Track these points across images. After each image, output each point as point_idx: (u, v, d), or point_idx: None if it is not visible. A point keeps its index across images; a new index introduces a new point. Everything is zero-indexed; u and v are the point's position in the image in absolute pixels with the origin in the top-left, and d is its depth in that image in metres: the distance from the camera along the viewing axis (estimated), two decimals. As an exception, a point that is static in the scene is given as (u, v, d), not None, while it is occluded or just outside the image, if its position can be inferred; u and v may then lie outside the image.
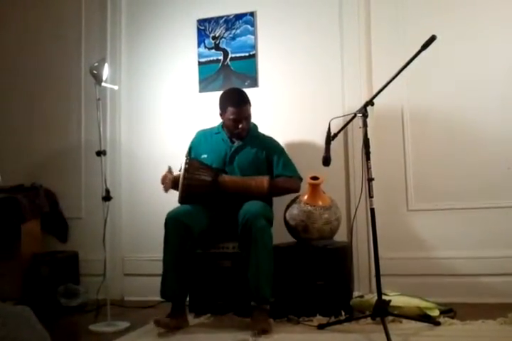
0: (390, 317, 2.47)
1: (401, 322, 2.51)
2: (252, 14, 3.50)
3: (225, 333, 2.54)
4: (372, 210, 2.44)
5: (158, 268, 2.76)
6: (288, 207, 2.93)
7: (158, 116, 3.66)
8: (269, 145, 3.06)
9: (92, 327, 2.76)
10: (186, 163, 2.81)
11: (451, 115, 3.13)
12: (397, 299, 2.57)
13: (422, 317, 2.55)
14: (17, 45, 3.97)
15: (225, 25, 3.55)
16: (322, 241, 2.84)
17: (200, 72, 3.58)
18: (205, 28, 3.59)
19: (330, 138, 2.56)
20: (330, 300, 2.71)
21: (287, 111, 3.40)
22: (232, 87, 3.21)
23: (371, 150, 2.45)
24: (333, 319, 2.56)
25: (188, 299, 2.81)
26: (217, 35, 3.56)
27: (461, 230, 3.06)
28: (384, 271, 2.46)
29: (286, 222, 2.93)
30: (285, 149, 3.11)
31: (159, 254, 2.76)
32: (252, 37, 3.49)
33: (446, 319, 2.53)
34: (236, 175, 2.96)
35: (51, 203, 3.64)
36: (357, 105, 2.63)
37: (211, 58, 3.57)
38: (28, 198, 3.46)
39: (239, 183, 2.88)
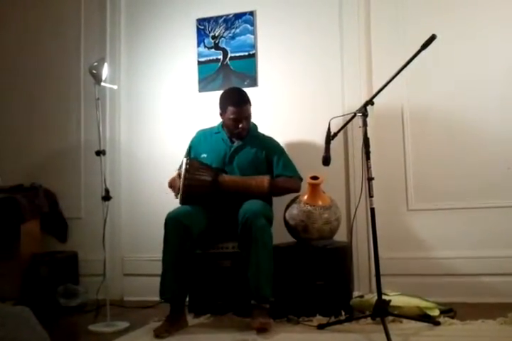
0: (390, 317, 2.46)
1: (401, 322, 2.51)
2: (251, 13, 3.49)
3: (225, 333, 2.53)
4: (372, 210, 2.43)
5: (158, 268, 2.76)
6: (288, 206, 2.93)
7: (157, 116, 3.66)
8: (268, 145, 3.05)
9: (92, 328, 2.76)
10: (187, 164, 2.80)
11: (451, 114, 3.13)
12: (397, 299, 2.57)
13: (422, 317, 2.55)
14: (17, 45, 3.97)
15: (224, 25, 3.54)
16: (322, 241, 2.84)
17: (200, 72, 3.58)
18: (204, 27, 3.58)
19: (330, 137, 2.56)
20: (330, 300, 2.70)
21: (287, 110, 3.40)
22: (233, 87, 3.20)
23: (371, 149, 2.44)
24: (333, 319, 2.55)
25: (187, 299, 2.81)
26: (216, 34, 3.56)
27: (461, 230, 3.06)
28: (384, 271, 2.46)
29: (286, 222, 2.92)
30: (285, 149, 3.11)
31: (159, 254, 2.76)
32: (252, 36, 3.48)
33: (446, 319, 2.53)
34: (236, 174, 2.96)
35: (51, 203, 3.64)
36: (357, 104, 2.63)
37: (211, 58, 3.56)
38: (27, 198, 3.45)
39: (239, 183, 2.88)
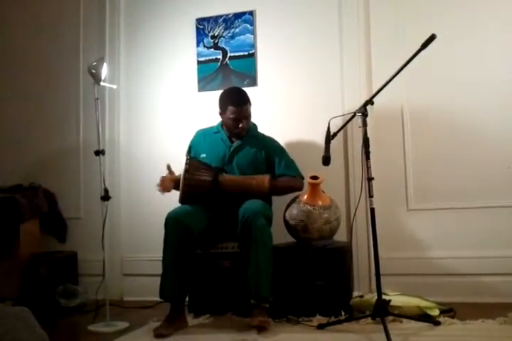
0: (390, 317, 2.46)
1: (401, 321, 2.51)
2: (251, 13, 3.49)
3: (224, 333, 2.53)
4: (372, 210, 2.43)
5: (158, 268, 2.75)
6: (288, 206, 2.92)
7: (156, 116, 3.65)
8: (268, 145, 3.05)
9: (91, 328, 2.75)
10: (186, 164, 2.80)
11: (451, 114, 3.13)
12: (397, 299, 2.57)
13: (422, 316, 2.55)
14: (15, 45, 3.96)
15: (224, 24, 3.54)
16: (322, 241, 2.83)
17: (199, 71, 3.57)
18: (204, 27, 3.58)
19: (329, 137, 2.55)
20: (330, 300, 2.70)
21: (286, 110, 3.40)
22: (232, 86, 3.20)
23: (371, 149, 2.44)
24: (332, 319, 2.55)
25: (187, 299, 2.81)
26: (216, 34, 3.55)
27: (461, 230, 3.06)
28: (384, 271, 2.45)
29: (285, 222, 2.92)
30: (285, 148, 3.11)
31: (158, 254, 2.75)
32: (251, 36, 3.48)
33: (446, 318, 2.53)
34: (235, 174, 2.95)
35: (50, 203, 3.64)
36: (356, 104, 2.63)
37: (210, 57, 3.56)
38: (26, 198, 3.45)
39: (239, 182, 2.87)
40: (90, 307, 3.16)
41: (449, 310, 2.64)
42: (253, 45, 3.48)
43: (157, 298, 2.78)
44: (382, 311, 2.34)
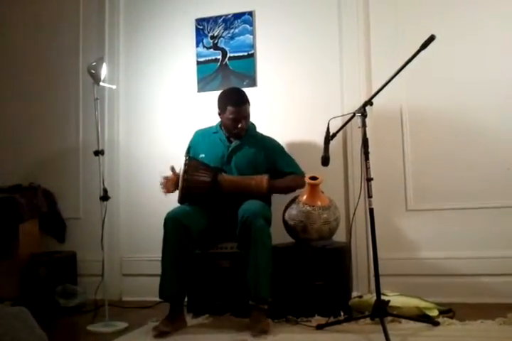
0: (389, 318, 2.46)
1: (400, 322, 2.51)
2: (250, 13, 3.49)
3: (224, 333, 2.53)
4: (371, 210, 2.43)
5: (157, 268, 2.75)
6: (287, 207, 2.92)
7: (156, 116, 3.65)
8: (267, 145, 3.05)
9: (90, 328, 2.75)
10: (185, 164, 2.80)
11: (450, 115, 3.13)
12: (396, 299, 2.57)
13: (421, 317, 2.55)
14: (15, 44, 3.96)
15: (223, 25, 3.54)
16: (321, 241, 2.83)
17: (199, 72, 3.57)
18: (203, 27, 3.58)
19: (329, 137, 2.55)
20: (329, 300, 2.70)
21: (286, 110, 3.40)
22: (231, 87, 3.20)
23: (370, 150, 2.44)
24: (331, 319, 2.55)
25: (186, 299, 2.81)
26: (215, 34, 3.55)
27: (461, 230, 3.06)
28: (383, 271, 2.46)
29: (285, 223, 2.92)
30: (284, 147, 3.11)
31: (157, 254, 2.75)
32: (251, 36, 3.48)
33: (445, 319, 2.53)
34: (234, 174, 2.95)
35: (49, 203, 3.64)
36: (356, 105, 2.62)
37: (210, 58, 3.56)
38: (26, 198, 3.45)
39: (238, 183, 2.87)
40: (89, 308, 3.16)
41: (448, 311, 2.63)
42: (253, 46, 3.48)
43: (156, 298, 2.78)
44: (381, 311, 2.34)
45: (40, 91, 3.87)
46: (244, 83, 3.46)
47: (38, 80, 3.87)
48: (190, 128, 3.31)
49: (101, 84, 2.98)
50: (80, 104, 3.77)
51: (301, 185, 2.94)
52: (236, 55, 3.51)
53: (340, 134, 2.67)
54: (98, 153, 2.89)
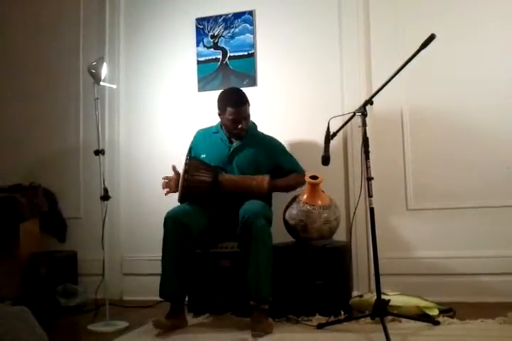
0: (390, 317, 2.46)
1: (400, 321, 2.51)
2: (250, 13, 3.49)
3: (224, 333, 2.53)
4: (371, 209, 2.43)
5: (157, 267, 2.76)
6: (287, 206, 2.93)
7: (156, 115, 3.66)
8: (268, 145, 3.05)
9: (91, 327, 2.75)
10: (186, 164, 2.79)
11: (450, 114, 3.13)
12: (396, 298, 2.57)
13: (422, 316, 2.55)
14: (15, 44, 3.96)
15: (223, 24, 3.54)
16: (321, 240, 2.84)
17: (199, 71, 3.57)
18: (203, 26, 3.58)
19: (329, 137, 2.55)
20: (329, 299, 2.71)
21: (286, 110, 3.40)
22: (231, 87, 3.20)
23: (370, 149, 2.44)
24: (332, 318, 2.55)
25: (186, 299, 2.81)
26: (216, 33, 3.55)
27: (461, 229, 3.06)
28: (383, 271, 2.46)
29: (285, 222, 2.92)
30: (284, 146, 3.12)
31: (158, 254, 2.76)
32: (251, 36, 3.48)
33: (446, 318, 2.53)
34: (236, 174, 2.95)
35: (50, 203, 3.64)
36: (356, 104, 2.62)
37: (210, 57, 3.56)
38: (26, 197, 3.45)
39: (239, 183, 2.87)
40: (90, 307, 3.16)
41: (449, 310, 2.63)
42: (253, 45, 3.48)
43: (157, 298, 2.78)
44: (381, 311, 2.34)
45: (40, 91, 3.87)
46: (245, 82, 3.46)
47: (38, 80, 3.87)
48: (190, 127, 3.31)
49: (101, 83, 2.98)
50: (80, 103, 3.77)
51: (302, 183, 2.94)
52: (236, 54, 3.51)
53: (340, 133, 2.67)
54: (98, 152, 2.89)
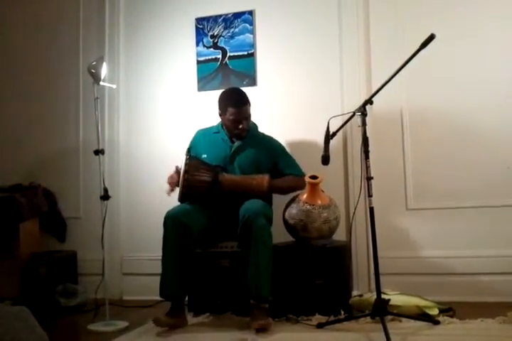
0: (390, 316, 2.46)
1: (400, 321, 2.51)
2: (250, 13, 3.49)
3: (224, 332, 2.53)
4: (371, 209, 2.44)
5: (157, 267, 2.76)
6: (287, 206, 2.92)
7: (156, 115, 3.65)
8: (269, 145, 3.05)
9: (91, 327, 2.76)
10: (186, 164, 2.79)
11: (450, 114, 3.13)
12: (396, 298, 2.57)
13: (422, 316, 2.56)
14: (15, 44, 3.96)
15: (223, 24, 3.54)
16: (321, 240, 2.84)
17: (199, 71, 3.57)
18: (203, 26, 3.58)
19: (329, 137, 2.55)
20: (329, 299, 2.71)
21: (286, 110, 3.40)
22: (232, 87, 3.20)
23: (370, 149, 2.45)
24: (332, 318, 2.55)
25: (186, 298, 2.81)
26: (215, 33, 3.55)
27: (461, 229, 3.06)
28: (383, 270, 2.46)
29: (285, 221, 2.92)
30: (285, 147, 3.11)
31: (158, 254, 2.76)
32: (251, 36, 3.48)
33: (446, 318, 2.53)
34: (237, 174, 2.95)
35: (49, 202, 3.64)
36: (356, 104, 2.62)
37: (210, 57, 3.56)
38: (26, 197, 3.45)
39: (239, 182, 2.87)
40: (90, 307, 3.16)
41: (449, 310, 2.64)
42: (253, 45, 3.48)
43: (157, 297, 2.78)
44: (381, 310, 2.34)
45: (40, 91, 3.87)
46: (244, 82, 3.46)
47: (38, 80, 3.87)
48: (190, 127, 3.31)
49: (101, 83, 2.98)
50: (80, 103, 3.77)
51: (301, 186, 2.93)
52: (236, 54, 3.51)
53: (340, 133, 2.67)
54: (98, 152, 2.89)
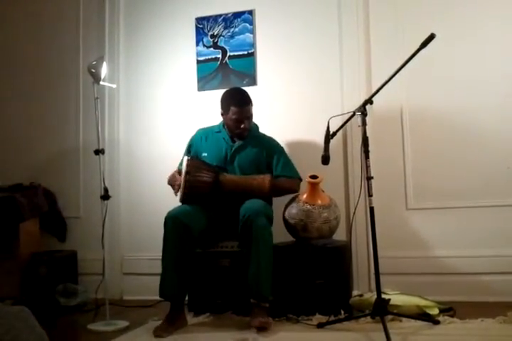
0: (390, 316, 2.46)
1: (400, 320, 2.51)
2: (250, 12, 3.49)
3: (224, 332, 2.53)
4: (371, 209, 2.44)
5: (157, 267, 2.76)
6: (287, 206, 2.93)
7: (156, 115, 3.65)
8: (268, 145, 3.05)
9: (91, 327, 2.75)
10: (187, 165, 2.79)
11: (450, 114, 3.13)
12: (396, 298, 2.57)
13: (422, 315, 2.55)
14: (15, 44, 3.96)
15: (223, 24, 3.54)
16: (321, 240, 2.84)
17: (199, 71, 3.57)
18: (203, 26, 3.58)
19: (329, 136, 2.55)
20: (329, 299, 2.70)
21: (286, 109, 3.40)
22: (234, 87, 3.20)
23: (370, 148, 2.45)
24: (332, 318, 2.55)
25: (187, 298, 2.81)
26: (215, 33, 3.55)
27: (461, 229, 3.06)
28: (383, 270, 2.46)
29: (285, 221, 2.92)
30: (284, 148, 3.11)
31: (158, 253, 2.76)
32: (251, 35, 3.48)
33: (446, 317, 2.53)
34: (237, 174, 2.95)
35: (50, 202, 3.64)
36: (356, 104, 2.62)
37: (209, 56, 3.56)
38: (26, 197, 3.45)
39: (240, 183, 2.87)
40: (90, 307, 3.16)
41: (449, 309, 2.64)
42: (253, 45, 3.48)
43: (157, 297, 2.78)
44: (381, 310, 2.34)
45: (40, 91, 3.87)
46: (244, 82, 3.46)
47: (38, 80, 3.87)
48: (190, 127, 3.31)
49: (101, 83, 2.98)
50: (80, 103, 3.77)
51: (295, 190, 2.96)
52: (236, 53, 3.51)
53: (340, 133, 2.67)
54: (98, 152, 2.89)
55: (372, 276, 2.78)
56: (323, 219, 2.82)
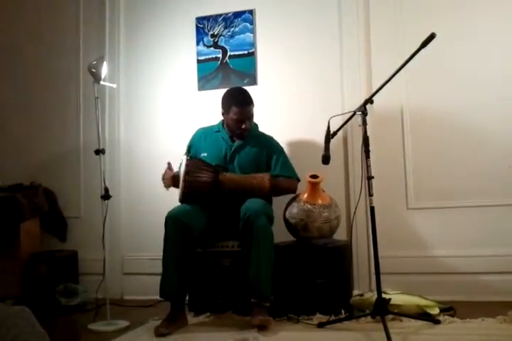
0: (390, 316, 2.46)
1: (401, 320, 2.51)
2: (250, 12, 3.49)
3: (225, 332, 2.53)
4: (371, 208, 2.44)
5: (158, 267, 2.76)
6: (287, 205, 2.93)
7: (157, 115, 3.65)
8: (268, 144, 3.05)
9: (92, 326, 2.75)
10: (187, 165, 2.79)
11: (451, 113, 3.13)
12: (397, 297, 2.57)
13: (422, 315, 2.56)
14: (15, 44, 3.96)
15: (223, 23, 3.54)
16: (322, 239, 2.84)
17: (199, 70, 3.57)
18: (203, 26, 3.58)
19: (329, 136, 2.55)
20: (330, 298, 2.70)
21: (286, 109, 3.40)
22: (236, 87, 3.19)
23: (371, 148, 2.45)
24: (332, 317, 2.56)
25: (187, 298, 2.81)
26: (215, 33, 3.55)
27: (461, 228, 3.06)
28: (384, 270, 2.46)
29: (285, 221, 2.92)
30: (284, 148, 3.11)
31: (158, 253, 2.76)
32: (251, 35, 3.48)
33: (446, 317, 2.53)
34: (236, 173, 2.95)
35: (50, 202, 3.64)
36: (356, 103, 2.62)
37: (210, 56, 3.56)
38: (27, 197, 3.45)
39: (240, 182, 2.87)
40: (91, 306, 3.16)
41: (449, 309, 2.64)
42: (253, 44, 3.48)
43: (157, 297, 2.78)
44: (382, 310, 2.34)
45: (41, 90, 3.87)
46: (245, 81, 3.46)
47: (39, 79, 3.87)
48: (190, 126, 3.31)
49: (101, 83, 2.98)
50: (80, 103, 3.77)
51: (294, 190, 2.96)
52: (236, 53, 3.51)
53: (340, 133, 2.67)
54: (99, 152, 2.89)
55: (373, 276, 2.78)
56: (323, 218, 2.82)
